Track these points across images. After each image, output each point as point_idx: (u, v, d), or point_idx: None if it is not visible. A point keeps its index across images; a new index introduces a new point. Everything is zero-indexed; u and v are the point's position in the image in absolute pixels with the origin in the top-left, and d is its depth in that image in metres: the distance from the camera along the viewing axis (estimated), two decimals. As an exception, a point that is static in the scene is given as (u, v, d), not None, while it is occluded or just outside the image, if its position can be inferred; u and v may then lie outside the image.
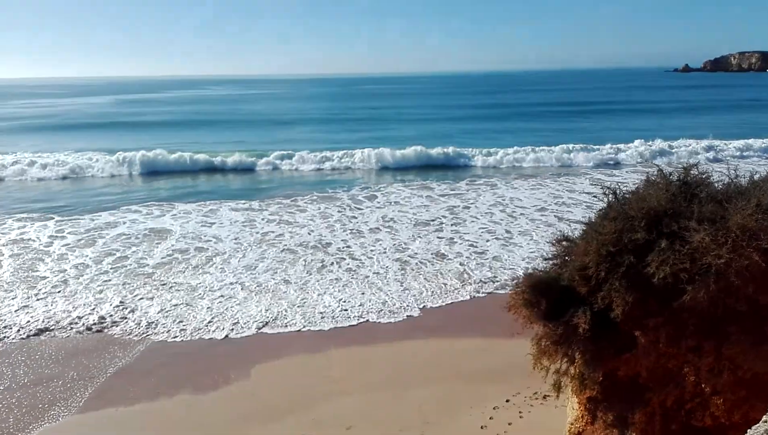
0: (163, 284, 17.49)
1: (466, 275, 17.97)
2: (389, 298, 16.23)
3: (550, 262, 8.27)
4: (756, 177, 7.78)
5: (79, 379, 12.32)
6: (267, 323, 14.91)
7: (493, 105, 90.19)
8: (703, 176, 7.60)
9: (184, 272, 18.48)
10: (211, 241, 21.64)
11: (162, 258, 19.78)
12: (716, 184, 7.60)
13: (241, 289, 17.09)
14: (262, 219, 24.83)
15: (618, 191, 7.80)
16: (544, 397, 10.87)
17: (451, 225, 23.56)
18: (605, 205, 7.76)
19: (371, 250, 20.28)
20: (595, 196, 8.51)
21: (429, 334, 14.20)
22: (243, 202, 28.04)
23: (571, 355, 7.20)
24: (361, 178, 35.33)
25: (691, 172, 7.53)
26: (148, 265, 19.14)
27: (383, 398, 11.46)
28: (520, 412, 10.64)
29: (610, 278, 6.82)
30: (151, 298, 16.44)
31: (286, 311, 15.51)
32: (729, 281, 6.18)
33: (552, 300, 7.39)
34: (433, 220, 24.32)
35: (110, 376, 12.51)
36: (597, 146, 42.12)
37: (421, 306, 15.88)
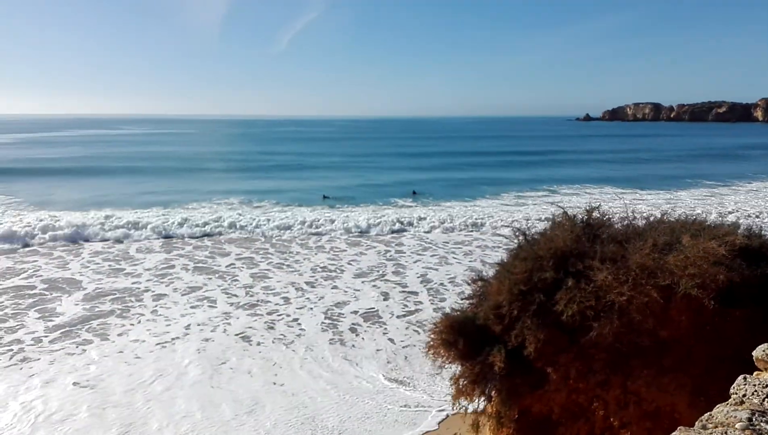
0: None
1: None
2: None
3: (467, 301, 8.44)
4: (651, 219, 8.37)
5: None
6: None
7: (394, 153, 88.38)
8: (604, 218, 8.08)
9: (87, 321, 17.19)
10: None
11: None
12: (616, 226, 8.10)
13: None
14: None
15: (527, 233, 8.14)
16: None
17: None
18: (516, 245, 8.05)
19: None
20: (506, 238, 8.82)
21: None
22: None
23: (488, 393, 7.30)
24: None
25: (593, 214, 7.99)
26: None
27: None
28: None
29: (522, 316, 7.02)
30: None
31: (199, 360, 14.74)
32: (631, 317, 6.54)
33: (469, 339, 7.51)
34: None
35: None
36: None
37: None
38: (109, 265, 24.11)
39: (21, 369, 14.25)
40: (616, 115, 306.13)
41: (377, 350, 15.57)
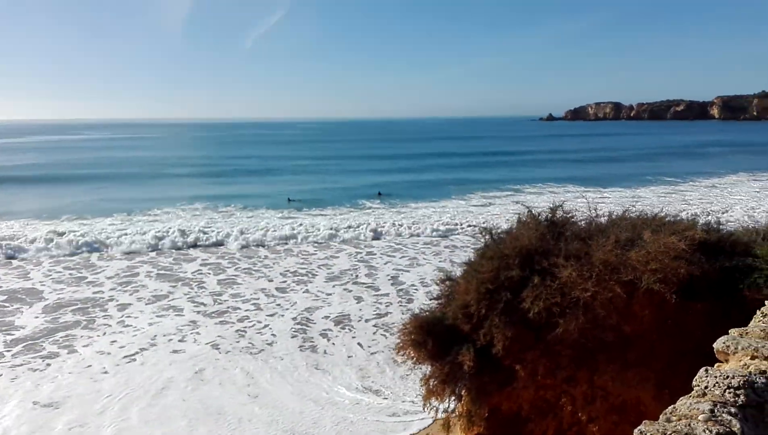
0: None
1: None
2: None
3: (435, 302, 8.45)
4: (614, 215, 8.52)
5: None
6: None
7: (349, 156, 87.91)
8: (568, 215, 8.19)
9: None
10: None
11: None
12: (580, 223, 8.22)
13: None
14: None
15: (493, 231, 8.19)
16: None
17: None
18: (482, 244, 8.10)
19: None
20: (473, 237, 8.88)
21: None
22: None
23: (458, 392, 7.32)
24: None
25: (557, 212, 8.09)
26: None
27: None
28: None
29: (490, 315, 7.07)
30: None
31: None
32: (596, 313, 6.63)
33: (438, 339, 7.51)
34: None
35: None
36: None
37: (310, 354, 15.47)
38: (70, 274, 23.44)
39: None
40: (578, 114, 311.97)
41: (349, 357, 15.41)
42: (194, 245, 27.97)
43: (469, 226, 31.52)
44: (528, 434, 7.11)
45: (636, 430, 2.60)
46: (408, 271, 23.86)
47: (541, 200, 40.14)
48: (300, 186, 50.59)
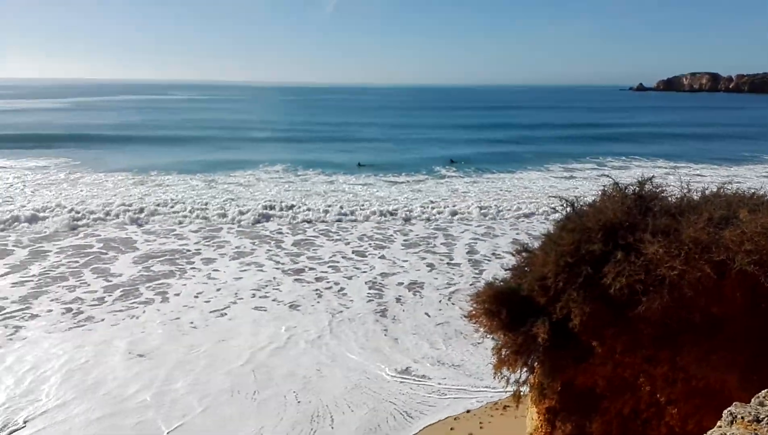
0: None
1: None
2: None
3: (510, 272, 8.36)
4: (707, 192, 8.04)
5: None
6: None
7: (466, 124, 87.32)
8: (657, 190, 7.81)
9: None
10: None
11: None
12: (669, 198, 7.82)
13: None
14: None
15: (576, 203, 7.94)
16: (504, 407, 10.95)
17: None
18: (563, 216, 7.88)
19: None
20: (554, 208, 8.67)
21: (390, 346, 14.15)
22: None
23: (530, 364, 7.27)
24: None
25: (646, 186, 7.73)
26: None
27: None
28: (480, 423, 10.68)
29: (568, 289, 6.91)
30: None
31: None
32: (682, 292, 6.34)
33: (512, 310, 7.45)
34: (395, 232, 24.21)
35: None
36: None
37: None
38: (159, 226, 24.97)
39: (80, 329, 14.95)
40: (671, 85, 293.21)
41: (416, 325, 15.55)
42: (272, 207, 28.78)
43: (550, 196, 30.70)
44: (602, 411, 6.99)
45: (726, 411, 2.51)
46: (484, 241, 23.70)
47: (627, 175, 38.46)
48: (372, 152, 50.60)
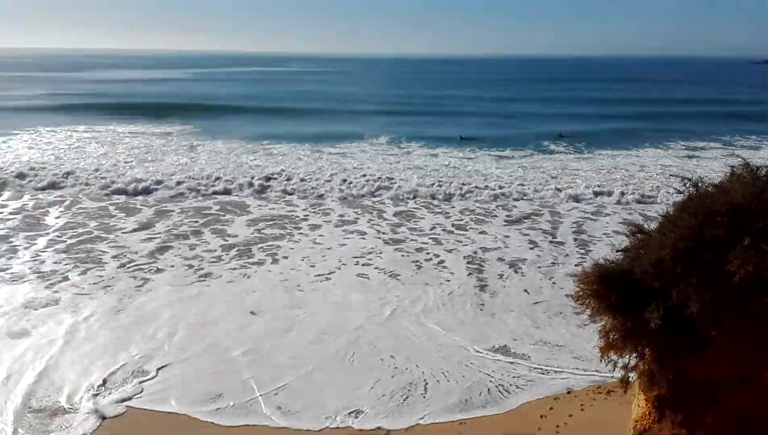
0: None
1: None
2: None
3: (622, 253, 8.04)
4: None
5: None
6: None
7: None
8: (795, 173, 7.14)
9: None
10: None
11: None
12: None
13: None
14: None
15: (699, 184, 7.44)
16: (609, 392, 10.65)
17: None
18: (684, 197, 7.43)
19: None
20: (674, 189, 8.19)
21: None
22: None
23: (640, 350, 7.00)
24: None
25: (782, 167, 7.10)
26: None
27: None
28: (581, 405, 10.47)
29: (686, 274, 6.55)
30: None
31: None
32: (818, 285, 5.83)
33: (622, 292, 7.19)
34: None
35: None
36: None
37: (482, 292, 15.75)
38: (271, 192, 26.34)
39: (200, 284, 16.20)
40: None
41: (514, 302, 15.33)
42: (373, 178, 28.91)
43: (670, 176, 28.75)
44: (717, 405, 6.61)
45: None
46: (593, 220, 22.83)
47: (758, 155, 35.23)
48: (474, 126, 49.28)
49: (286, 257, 18.29)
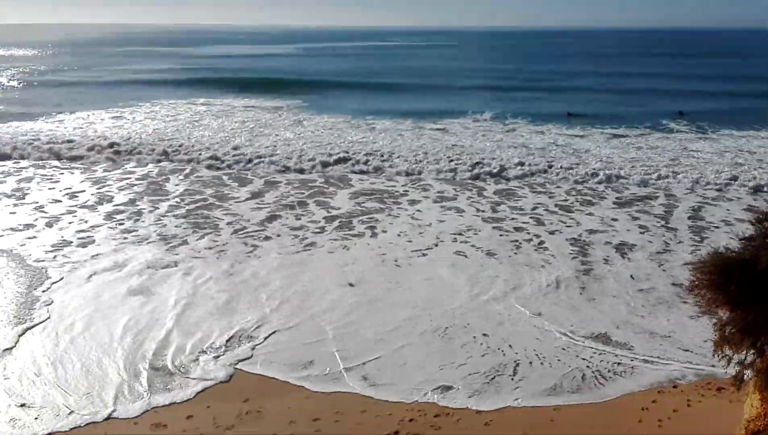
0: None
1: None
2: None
3: (745, 242, 7.46)
4: None
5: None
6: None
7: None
8: None
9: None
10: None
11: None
12: None
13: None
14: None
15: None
16: (719, 389, 9.97)
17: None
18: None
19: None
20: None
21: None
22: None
23: (759, 347, 6.52)
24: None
25: None
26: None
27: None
28: (688, 400, 9.89)
29: (820, 268, 5.98)
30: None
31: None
32: None
33: (742, 284, 6.70)
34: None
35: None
36: None
37: (585, 276, 15.19)
38: (370, 166, 26.80)
39: (304, 254, 16.88)
40: None
41: (619, 289, 14.59)
42: (475, 156, 28.38)
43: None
44: None
45: None
46: (713, 206, 21.24)
47: None
48: (583, 103, 46.38)
49: (384, 231, 18.60)
